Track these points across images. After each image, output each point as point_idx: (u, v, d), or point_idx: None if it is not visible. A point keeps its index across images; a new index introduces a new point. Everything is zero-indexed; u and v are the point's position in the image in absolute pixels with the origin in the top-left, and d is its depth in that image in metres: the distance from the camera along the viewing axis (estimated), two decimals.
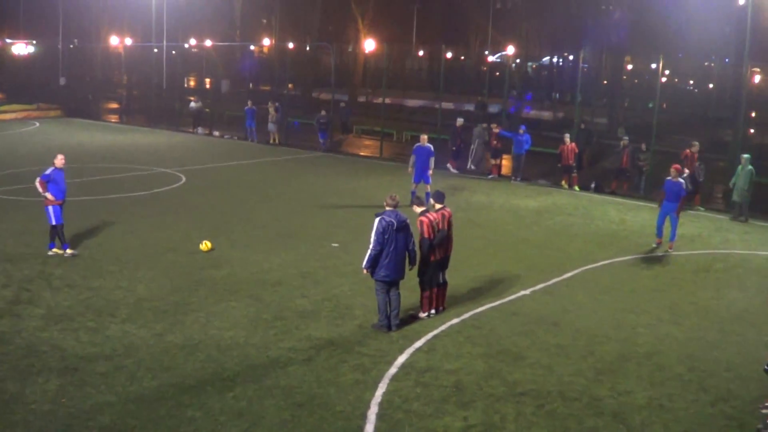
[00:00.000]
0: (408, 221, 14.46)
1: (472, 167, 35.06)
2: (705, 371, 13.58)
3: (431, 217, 14.96)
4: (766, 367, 11.70)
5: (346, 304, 15.86)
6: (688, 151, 29.39)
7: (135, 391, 11.61)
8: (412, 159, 25.98)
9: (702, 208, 28.70)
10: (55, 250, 18.69)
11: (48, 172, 18.32)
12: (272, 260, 18.87)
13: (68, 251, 18.66)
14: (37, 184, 18.27)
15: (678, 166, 22.75)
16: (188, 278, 17.26)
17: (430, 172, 25.85)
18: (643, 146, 31.91)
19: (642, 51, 59.49)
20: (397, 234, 14.19)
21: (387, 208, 14.43)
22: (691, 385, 12.95)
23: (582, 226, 24.43)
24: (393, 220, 14.20)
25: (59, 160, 18.59)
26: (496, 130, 34.37)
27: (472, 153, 35.40)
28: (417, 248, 14.86)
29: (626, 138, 31.66)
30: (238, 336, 13.95)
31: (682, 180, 21.92)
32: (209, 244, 19.66)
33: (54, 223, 18.45)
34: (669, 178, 21.94)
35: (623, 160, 31.27)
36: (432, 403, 11.64)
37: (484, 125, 36.12)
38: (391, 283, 14.47)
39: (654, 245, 22.24)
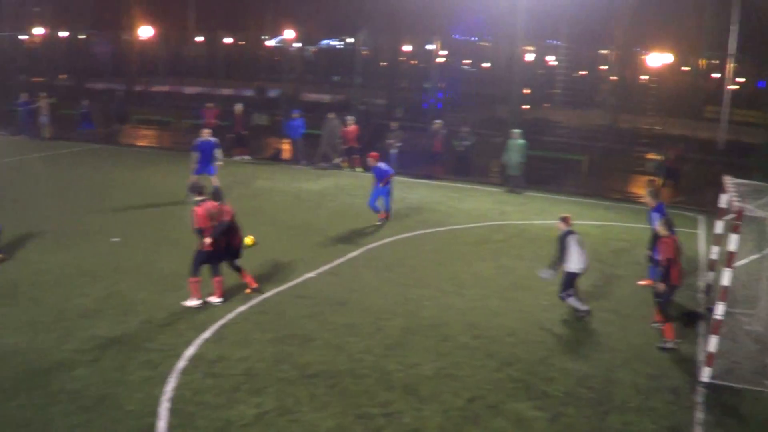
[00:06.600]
0: None
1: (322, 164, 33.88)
2: (489, 338, 14.20)
3: (207, 207, 14.95)
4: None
5: (130, 300, 15.47)
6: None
7: None
8: (196, 155, 25.23)
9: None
10: None
11: None
12: (49, 260, 18.07)
13: None
14: None
15: (376, 153, 23.78)
16: None
17: (220, 162, 25.39)
18: (393, 125, 32.93)
19: (419, 32, 60.86)
20: None
21: None
22: (477, 353, 13.52)
23: (364, 206, 24.80)
24: None
25: None
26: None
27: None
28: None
29: (439, 121, 32.20)
30: (18, 342, 13.32)
31: (381, 165, 22.95)
32: (252, 239, 19.43)
33: None
34: (375, 165, 23.03)
35: (436, 144, 31.83)
36: (224, 393, 11.59)
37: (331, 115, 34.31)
38: None
39: (378, 222, 22.90)
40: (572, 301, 15.83)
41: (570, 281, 15.78)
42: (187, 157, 26.12)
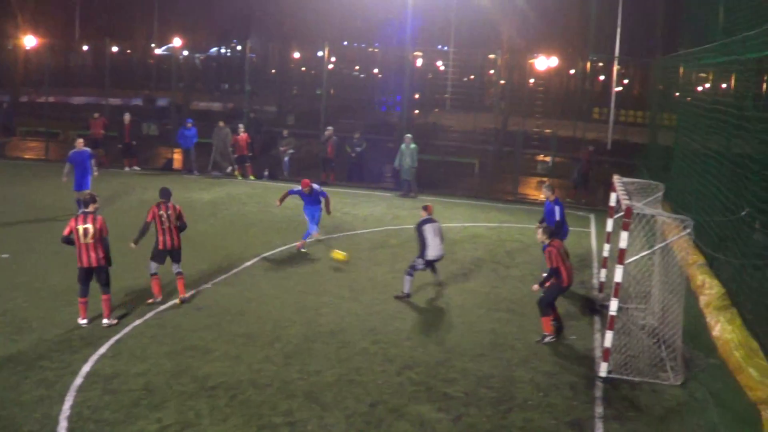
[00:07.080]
0: None
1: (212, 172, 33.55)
2: (388, 342, 14.28)
3: (79, 219, 14.92)
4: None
5: (22, 317, 15.00)
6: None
7: None
8: (68, 167, 23.77)
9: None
10: None
11: None
12: None
13: None
14: None
15: (307, 180, 21.78)
16: None
17: (96, 173, 24.37)
18: (285, 132, 33.11)
19: (308, 39, 60.92)
20: None
21: None
22: (377, 357, 13.58)
23: (258, 215, 24.76)
24: None
25: None
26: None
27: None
28: None
29: (330, 128, 32.29)
30: None
31: (317, 187, 21.25)
32: (344, 255, 19.37)
33: None
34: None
35: (328, 151, 31.93)
36: (123, 409, 11.35)
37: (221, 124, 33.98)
38: None
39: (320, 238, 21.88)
40: (407, 281, 16.79)
41: (423, 264, 16.82)
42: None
